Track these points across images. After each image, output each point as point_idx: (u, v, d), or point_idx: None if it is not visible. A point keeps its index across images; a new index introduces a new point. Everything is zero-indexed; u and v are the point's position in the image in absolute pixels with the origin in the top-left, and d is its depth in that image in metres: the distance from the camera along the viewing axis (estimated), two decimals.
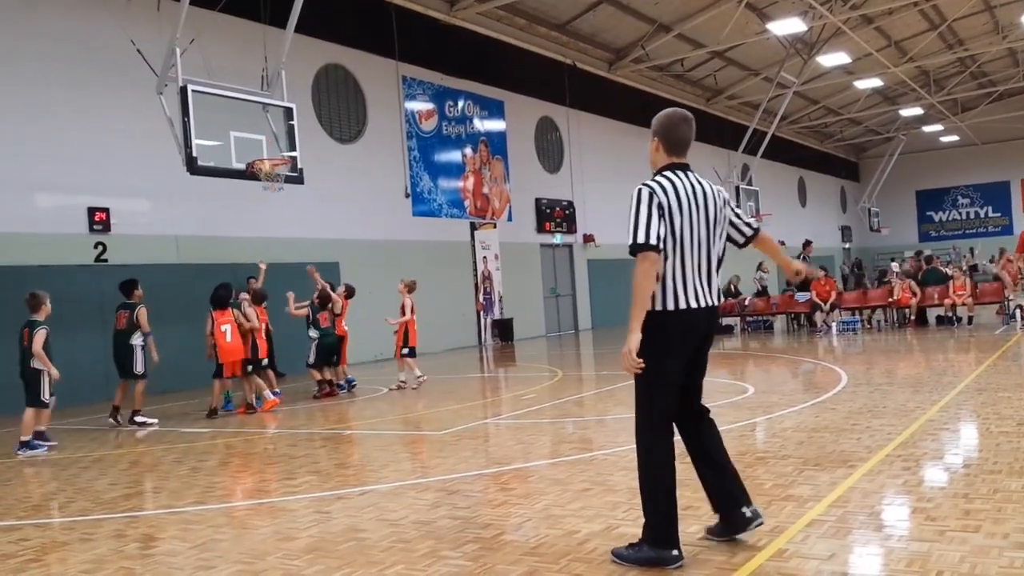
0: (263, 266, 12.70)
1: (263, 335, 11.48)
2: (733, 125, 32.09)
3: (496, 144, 22.77)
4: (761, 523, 4.32)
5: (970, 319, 17.98)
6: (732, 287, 21.08)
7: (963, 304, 17.97)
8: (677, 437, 4.22)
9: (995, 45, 29.98)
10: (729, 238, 4.39)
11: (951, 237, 43.22)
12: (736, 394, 9.83)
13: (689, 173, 4.19)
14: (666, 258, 4.05)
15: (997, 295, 18.60)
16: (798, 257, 20.05)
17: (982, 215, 44.72)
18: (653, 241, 3.98)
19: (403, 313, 12.57)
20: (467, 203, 21.58)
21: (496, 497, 5.77)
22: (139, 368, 10.50)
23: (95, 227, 13.76)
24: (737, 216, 4.41)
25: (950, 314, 18.15)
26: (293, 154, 12.28)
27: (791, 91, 27.61)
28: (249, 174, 11.75)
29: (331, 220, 17.54)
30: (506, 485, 6.09)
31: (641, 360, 3.95)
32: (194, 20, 12.11)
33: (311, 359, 12.27)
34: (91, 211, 13.72)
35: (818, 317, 18.93)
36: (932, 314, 19.03)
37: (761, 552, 4.18)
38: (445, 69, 20.96)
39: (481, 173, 22.15)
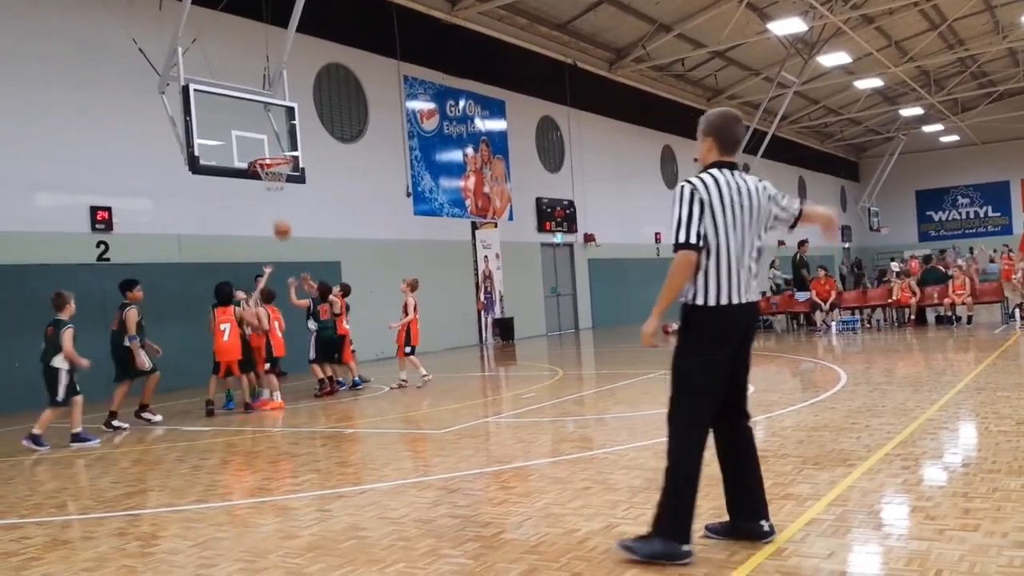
0: (268, 269, 12.64)
1: (277, 333, 11.47)
2: None
3: (497, 143, 22.78)
4: (773, 539, 4.30)
5: (969, 318, 18.00)
6: None
7: (962, 303, 17.99)
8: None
9: (995, 45, 29.98)
10: (777, 218, 4.35)
11: (951, 237, 43.24)
12: None
13: (735, 171, 4.21)
14: (707, 255, 4.07)
15: (996, 295, 18.63)
16: (795, 256, 20.12)
17: (982, 215, 44.71)
18: (693, 240, 4.03)
19: (405, 312, 12.59)
20: (468, 202, 21.59)
21: (496, 496, 5.79)
22: (140, 367, 10.24)
23: (97, 226, 13.79)
24: (781, 207, 4.36)
25: (949, 313, 18.18)
26: (295, 153, 12.28)
27: (791, 91, 27.62)
28: (251, 173, 11.77)
29: (332, 219, 17.55)
30: (507, 484, 6.11)
31: (656, 341, 4.17)
32: (196, 19, 12.13)
33: (312, 354, 12.29)
34: (93, 210, 13.74)
35: (818, 316, 18.94)
36: (931, 314, 19.06)
37: (760, 550, 4.20)
38: (446, 69, 20.98)
39: (482, 172, 22.17)
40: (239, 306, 11.37)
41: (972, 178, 44.26)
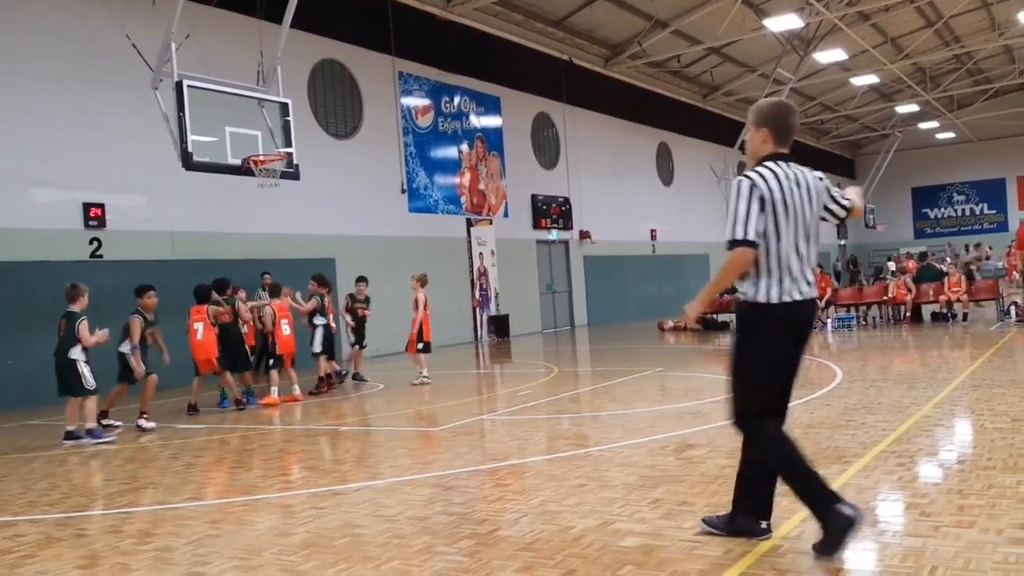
0: (267, 278, 12.51)
1: (282, 331, 11.42)
2: (729, 121, 32.07)
3: (492, 140, 22.75)
4: (769, 537, 4.31)
5: (965, 315, 18.02)
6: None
7: (958, 300, 18.02)
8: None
9: (991, 42, 30.00)
10: (827, 209, 4.26)
11: (947, 234, 43.32)
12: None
13: (791, 163, 4.11)
14: (766, 252, 3.99)
15: (992, 292, 18.66)
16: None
17: (977, 212, 44.78)
18: (751, 237, 3.94)
19: (416, 308, 12.58)
20: (463, 199, 21.56)
21: (492, 493, 5.78)
22: (138, 377, 9.96)
23: (90, 223, 13.72)
24: (834, 200, 4.27)
25: (945, 311, 18.20)
26: (289, 150, 12.24)
27: (787, 87, 27.59)
28: (244, 170, 11.73)
29: (327, 216, 17.51)
30: (502, 481, 6.10)
31: (692, 324, 4.33)
32: (190, 15, 12.08)
33: (318, 347, 12.16)
34: (86, 207, 13.68)
35: None
36: (927, 311, 19.07)
37: (756, 547, 4.20)
38: (441, 65, 20.93)
39: (477, 169, 22.13)
40: (234, 304, 11.35)
41: (968, 175, 44.32)
